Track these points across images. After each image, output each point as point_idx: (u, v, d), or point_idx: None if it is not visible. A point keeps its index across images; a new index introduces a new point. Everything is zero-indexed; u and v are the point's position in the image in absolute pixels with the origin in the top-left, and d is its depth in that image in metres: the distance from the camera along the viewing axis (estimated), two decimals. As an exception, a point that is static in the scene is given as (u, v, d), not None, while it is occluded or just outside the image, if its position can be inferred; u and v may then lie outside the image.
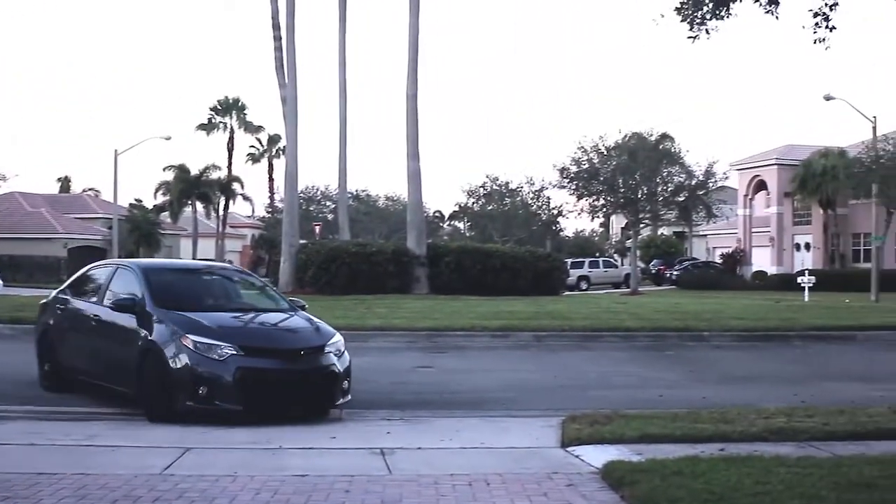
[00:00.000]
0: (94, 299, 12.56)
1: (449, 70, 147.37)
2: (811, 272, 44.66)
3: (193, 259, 67.67)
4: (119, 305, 11.70)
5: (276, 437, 9.60)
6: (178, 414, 10.53)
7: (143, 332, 11.20)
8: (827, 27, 12.22)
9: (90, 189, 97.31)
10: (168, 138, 59.79)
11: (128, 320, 11.53)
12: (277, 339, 11.47)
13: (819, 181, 58.41)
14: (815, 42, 12.26)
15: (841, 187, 56.64)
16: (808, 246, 64.57)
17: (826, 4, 12.15)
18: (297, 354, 11.11)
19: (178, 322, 11.05)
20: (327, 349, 11.31)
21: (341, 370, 11.28)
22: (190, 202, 76.20)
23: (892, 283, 48.40)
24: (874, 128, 43.03)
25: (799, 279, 42.79)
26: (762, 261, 65.21)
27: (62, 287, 14.02)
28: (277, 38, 39.29)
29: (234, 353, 10.68)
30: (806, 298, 38.44)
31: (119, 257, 49.45)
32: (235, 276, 14.00)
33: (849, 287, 48.77)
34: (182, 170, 75.53)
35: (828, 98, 42.98)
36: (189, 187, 74.86)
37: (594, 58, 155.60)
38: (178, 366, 10.63)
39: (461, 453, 8.98)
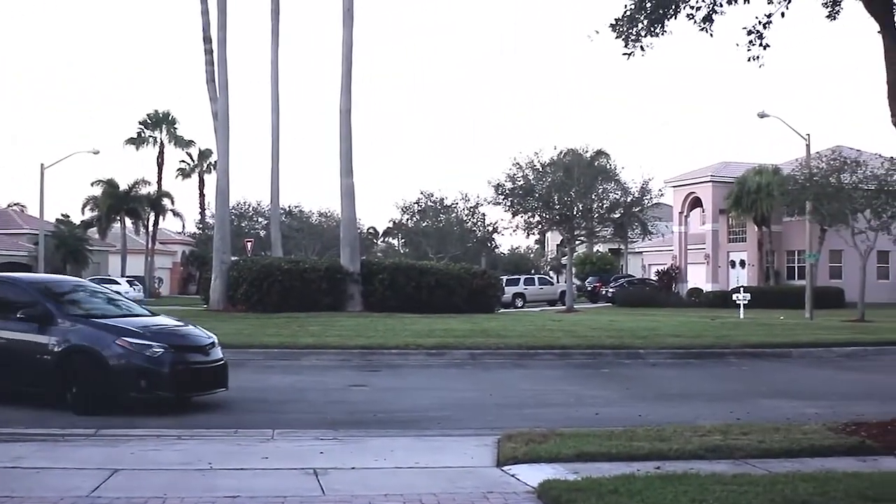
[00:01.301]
0: None
1: (383, 85, 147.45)
2: (746, 289, 45.16)
3: (122, 276, 66.29)
4: (29, 316, 13.10)
5: (207, 456, 9.52)
6: (121, 406, 12.42)
7: (56, 339, 12.89)
8: (761, 45, 12.43)
9: (15, 204, 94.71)
10: (96, 152, 58.41)
11: (29, 328, 13.06)
12: (191, 338, 13.66)
13: (753, 198, 59.08)
14: (749, 60, 12.58)
15: (775, 205, 57.31)
16: (742, 263, 65.07)
17: (760, 23, 12.38)
18: (206, 349, 13.55)
19: (106, 328, 13.05)
20: (217, 344, 13.86)
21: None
22: (119, 218, 75.17)
23: (826, 300, 49.22)
24: (808, 145, 43.33)
25: (734, 296, 43.12)
26: (697, 278, 65.54)
27: None
28: (208, 52, 38.87)
29: (165, 350, 12.87)
30: (741, 316, 38.77)
31: (46, 273, 47.79)
32: (95, 288, 15.54)
33: (783, 304, 49.35)
34: (111, 185, 74.42)
35: (762, 115, 43.19)
36: (118, 202, 73.81)
37: (529, 74, 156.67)
38: (120, 364, 12.62)
39: (395, 473, 8.90)
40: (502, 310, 45.31)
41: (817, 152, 44.20)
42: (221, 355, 13.86)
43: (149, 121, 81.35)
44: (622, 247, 78.81)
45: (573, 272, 57.82)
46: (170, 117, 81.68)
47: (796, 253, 60.68)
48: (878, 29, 11.43)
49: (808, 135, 42.92)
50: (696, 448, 9.63)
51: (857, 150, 45.50)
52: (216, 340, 14.00)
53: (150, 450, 9.92)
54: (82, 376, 12.66)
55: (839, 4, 12.51)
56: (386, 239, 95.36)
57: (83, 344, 12.81)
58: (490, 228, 72.58)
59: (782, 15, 12.36)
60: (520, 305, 58.27)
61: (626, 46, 12.29)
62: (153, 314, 14.99)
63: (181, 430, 11.13)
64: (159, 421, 11.86)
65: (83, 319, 13.20)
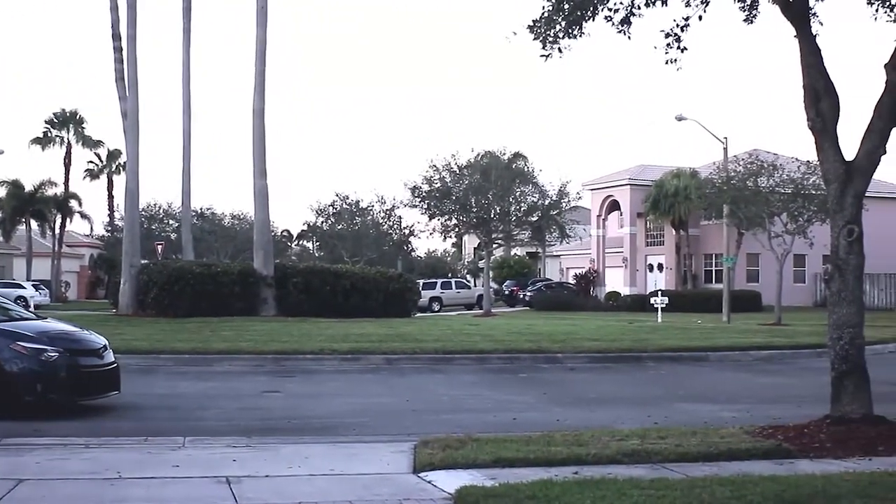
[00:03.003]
0: None
1: (298, 85, 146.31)
2: (664, 293, 45.51)
3: (28, 280, 64.48)
4: None
5: (116, 465, 9.31)
6: (19, 409, 12.34)
7: None
8: (678, 48, 12.44)
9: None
10: (1, 152, 56.63)
11: None
12: (85, 342, 13.66)
13: (671, 202, 59.43)
14: (666, 63, 12.57)
15: (693, 208, 57.88)
16: (660, 267, 65.54)
17: (678, 25, 12.38)
18: (100, 352, 13.56)
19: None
20: (108, 347, 13.89)
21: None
22: (24, 220, 72.79)
23: (743, 303, 49.81)
24: (725, 149, 43.76)
25: (652, 300, 43.39)
26: (615, 281, 65.91)
27: None
28: (118, 49, 37.87)
29: (60, 354, 12.81)
30: (659, 319, 39.02)
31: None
32: None
33: (701, 308, 50.00)
34: (15, 185, 72.04)
35: (680, 118, 43.59)
36: (23, 204, 71.48)
37: (447, 74, 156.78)
38: (16, 369, 12.57)
39: (310, 481, 8.77)
40: (419, 314, 45.12)
41: (735, 156, 44.70)
42: (114, 358, 13.91)
43: (55, 120, 79.17)
44: (540, 250, 79.13)
45: (491, 276, 57.91)
46: (77, 116, 79.59)
47: (713, 256, 61.50)
48: (795, 34, 11.51)
49: (726, 138, 43.53)
50: (614, 453, 9.64)
51: (774, 154, 46.30)
52: (108, 344, 14.05)
53: (57, 459, 9.66)
54: None
55: (756, 8, 12.58)
56: (300, 242, 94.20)
57: None
58: (406, 231, 72.22)
59: (700, 18, 12.45)
60: (437, 309, 58.09)
61: (543, 48, 12.23)
62: (43, 318, 15.00)
63: (89, 438, 10.88)
64: (66, 429, 11.54)
65: None
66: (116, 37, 37.87)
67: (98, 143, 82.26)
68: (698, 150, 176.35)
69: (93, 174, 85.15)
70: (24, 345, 12.72)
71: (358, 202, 72.98)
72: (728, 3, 12.60)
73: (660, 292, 45.19)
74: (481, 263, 66.33)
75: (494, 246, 57.13)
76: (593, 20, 12.16)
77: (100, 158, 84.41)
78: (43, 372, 12.63)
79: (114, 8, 38.08)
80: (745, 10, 12.61)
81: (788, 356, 24.14)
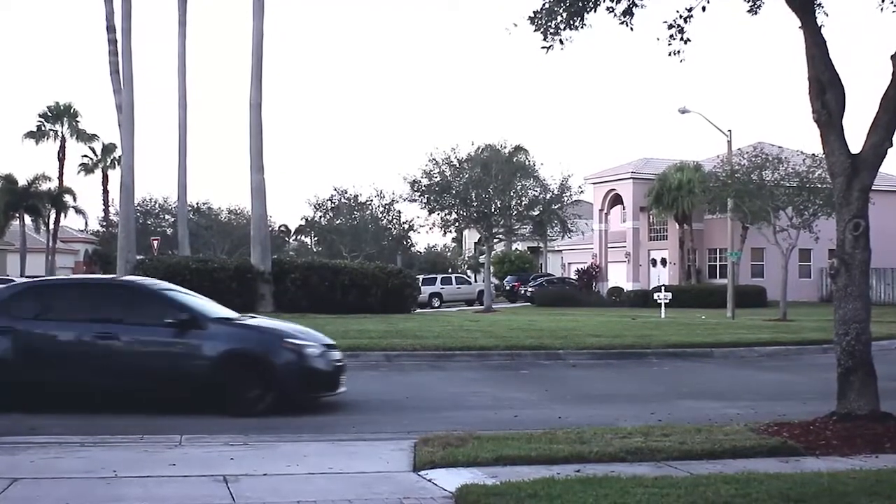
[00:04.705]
0: None
1: (295, 79, 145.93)
2: (667, 288, 45.28)
3: (22, 276, 64.19)
4: (181, 321, 13.16)
5: (112, 463, 9.29)
6: (286, 406, 12.96)
7: (212, 343, 13.16)
8: (681, 39, 12.33)
9: None
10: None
11: (174, 333, 13.26)
12: (323, 339, 14.17)
13: (675, 195, 59.08)
14: (669, 54, 12.48)
15: (696, 202, 57.49)
16: (664, 261, 65.25)
17: (681, 17, 12.26)
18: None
19: (262, 330, 14.10)
20: None
21: None
22: (17, 215, 72.60)
23: (747, 298, 49.41)
24: (729, 142, 43.36)
25: (655, 295, 43.16)
26: (618, 277, 65.70)
27: None
28: (112, 41, 37.69)
29: (322, 350, 13.64)
30: (662, 315, 38.83)
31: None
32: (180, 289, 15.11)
33: (705, 303, 49.81)
34: (9, 180, 71.90)
35: (683, 111, 43.22)
36: (16, 199, 71.29)
37: (446, 67, 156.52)
38: (290, 365, 13.23)
39: (309, 479, 8.75)
40: (419, 310, 45.07)
41: (739, 149, 44.29)
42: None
43: (49, 113, 78.98)
44: (541, 245, 78.90)
45: (491, 271, 57.68)
46: (72, 110, 79.42)
47: (718, 251, 61.05)
48: (800, 24, 11.37)
49: (730, 131, 43.10)
50: (617, 450, 9.60)
51: (779, 147, 46.07)
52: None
53: (52, 457, 9.64)
54: (256, 379, 12.92)
55: (760, -2, 12.43)
56: (298, 237, 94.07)
57: (247, 347, 13.26)
58: (406, 226, 72.07)
59: (703, 9, 12.31)
60: (437, 305, 58.07)
61: (544, 40, 12.09)
62: (254, 318, 15.35)
63: (84, 436, 10.79)
64: (61, 427, 11.43)
65: (227, 322, 13.65)
66: (111, 29, 37.69)
67: (93, 137, 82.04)
68: (702, 144, 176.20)
69: (87, 168, 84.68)
70: (293, 342, 13.34)
71: (356, 196, 72.77)
72: (732, -6, 12.47)
73: (663, 287, 45.02)
74: (482, 258, 66.11)
75: (495, 241, 56.94)
76: (595, 11, 12.07)
77: (94, 153, 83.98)
78: (312, 368, 13.25)
79: (108, 0, 37.89)
80: (749, 1, 12.50)
81: (794, 352, 23.92)
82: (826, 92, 11.10)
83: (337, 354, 14.09)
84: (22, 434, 10.97)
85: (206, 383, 12.87)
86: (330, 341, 14.21)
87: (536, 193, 52.59)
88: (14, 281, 57.30)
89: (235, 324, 13.83)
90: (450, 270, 78.55)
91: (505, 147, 54.70)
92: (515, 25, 12.31)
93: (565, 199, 53.88)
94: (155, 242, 55.34)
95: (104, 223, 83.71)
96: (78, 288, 14.81)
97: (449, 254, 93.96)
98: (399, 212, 72.08)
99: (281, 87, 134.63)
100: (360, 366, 20.17)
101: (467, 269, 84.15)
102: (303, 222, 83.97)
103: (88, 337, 13.11)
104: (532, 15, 12.00)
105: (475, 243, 79.51)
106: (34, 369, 13.05)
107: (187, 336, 13.08)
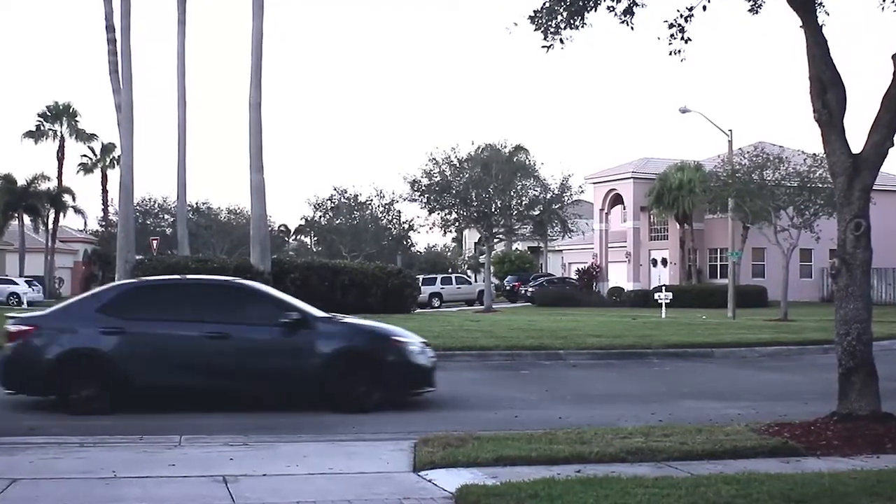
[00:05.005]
0: None
1: (295, 79, 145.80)
2: (668, 288, 45.19)
3: (21, 276, 64.19)
4: (294, 321, 13.49)
5: (111, 464, 9.26)
6: (400, 404, 13.45)
7: (324, 341, 13.58)
8: (682, 39, 12.30)
9: None
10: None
11: (283, 333, 13.46)
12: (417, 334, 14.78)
13: (675, 195, 59.12)
14: (670, 54, 12.46)
15: (697, 202, 57.48)
16: (664, 261, 65.20)
17: (681, 16, 12.23)
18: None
19: (367, 329, 14.59)
20: None
21: None
22: (16, 215, 72.39)
23: (748, 298, 49.46)
24: (730, 141, 43.36)
25: (656, 295, 43.10)
26: (619, 277, 65.66)
27: None
28: (111, 41, 37.41)
29: (421, 347, 14.08)
30: (663, 315, 38.81)
31: None
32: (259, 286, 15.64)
33: (705, 303, 49.85)
34: (8, 180, 71.68)
35: (683, 111, 43.22)
36: (15, 199, 71.03)
37: (446, 66, 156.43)
38: (398, 362, 13.69)
39: (308, 480, 8.74)
40: (419, 310, 45.05)
41: (740, 148, 44.34)
42: None
43: (48, 113, 78.75)
44: (542, 245, 78.88)
45: (491, 271, 57.70)
46: (71, 110, 79.21)
47: (718, 251, 60.94)
48: (801, 24, 11.34)
49: (731, 130, 43.13)
50: (618, 451, 9.59)
51: (780, 147, 46.00)
52: None
53: (51, 458, 9.62)
54: (366, 376, 13.24)
55: (762, -3, 12.41)
56: (298, 237, 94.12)
57: (359, 345, 13.65)
58: (406, 226, 72.07)
59: (704, 8, 12.26)
60: (437, 305, 58.13)
61: (545, 39, 12.07)
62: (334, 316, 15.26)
63: (83, 437, 10.77)
64: (60, 428, 11.45)
65: (332, 321, 13.94)
66: (110, 28, 37.47)
67: (92, 137, 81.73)
68: (703, 143, 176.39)
69: (87, 168, 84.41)
70: (399, 339, 13.78)
71: (356, 196, 72.78)
72: (733, -7, 12.45)
73: (664, 287, 44.94)
74: (482, 258, 66.10)
75: (495, 241, 56.97)
76: (595, 10, 12.03)
77: (94, 152, 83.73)
78: (417, 365, 13.64)
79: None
80: (749, 0, 12.46)
81: (795, 352, 23.86)
82: (827, 91, 11.06)
83: (431, 351, 14.42)
84: (21, 434, 10.96)
85: (318, 381, 13.17)
86: (424, 339, 14.51)
87: (537, 193, 52.60)
88: (14, 280, 57.44)
89: (342, 323, 14.19)
90: (450, 270, 78.54)
91: (505, 147, 54.81)
92: (516, 25, 12.28)
93: (566, 198, 53.88)
94: (154, 242, 55.35)
95: (103, 223, 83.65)
96: (187, 288, 14.67)
97: (449, 254, 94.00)
98: (399, 212, 72.19)
99: (281, 86, 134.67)
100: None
101: (467, 268, 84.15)
102: (302, 222, 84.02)
103: (202, 337, 13.12)
104: (532, 14, 11.98)
105: (475, 243, 79.52)
106: (147, 370, 13.01)
107: (300, 335, 13.33)
